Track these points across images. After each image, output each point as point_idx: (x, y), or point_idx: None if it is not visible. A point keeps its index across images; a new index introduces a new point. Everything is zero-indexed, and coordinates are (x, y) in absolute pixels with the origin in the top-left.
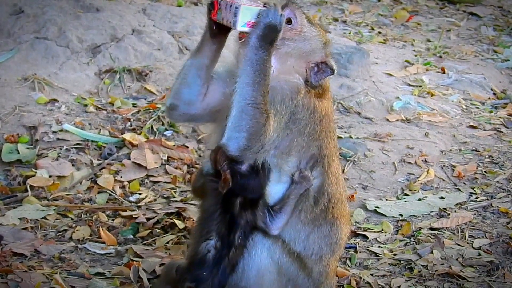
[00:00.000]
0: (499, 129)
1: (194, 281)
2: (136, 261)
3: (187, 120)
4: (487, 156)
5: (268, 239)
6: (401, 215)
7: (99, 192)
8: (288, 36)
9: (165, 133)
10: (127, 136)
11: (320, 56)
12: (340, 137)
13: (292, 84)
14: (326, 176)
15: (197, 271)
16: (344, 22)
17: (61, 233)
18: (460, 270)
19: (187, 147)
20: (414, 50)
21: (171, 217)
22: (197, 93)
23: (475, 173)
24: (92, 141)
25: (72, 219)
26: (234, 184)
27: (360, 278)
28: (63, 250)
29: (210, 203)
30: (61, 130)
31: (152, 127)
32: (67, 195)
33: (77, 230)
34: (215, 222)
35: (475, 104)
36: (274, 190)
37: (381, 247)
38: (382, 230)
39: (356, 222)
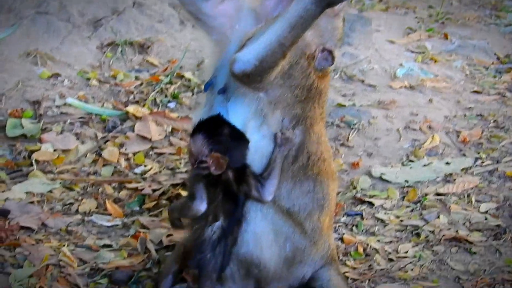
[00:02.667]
0: (503, 94)
1: (197, 267)
2: (143, 232)
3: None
4: (492, 121)
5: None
6: (406, 181)
7: (104, 165)
8: (328, 11)
9: (168, 104)
10: (131, 108)
11: (332, 44)
12: (344, 105)
13: (302, 47)
14: (307, 135)
15: (200, 255)
16: None
17: (67, 206)
18: (467, 235)
19: (191, 118)
20: (416, 17)
21: (176, 188)
22: None
23: (480, 138)
24: (96, 114)
25: (78, 192)
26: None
27: (367, 244)
28: (70, 223)
29: (210, 190)
30: (65, 104)
31: (155, 99)
32: (72, 168)
33: (83, 203)
34: (220, 204)
35: (478, 70)
36: (257, 150)
37: (387, 214)
38: (388, 196)
39: (361, 189)
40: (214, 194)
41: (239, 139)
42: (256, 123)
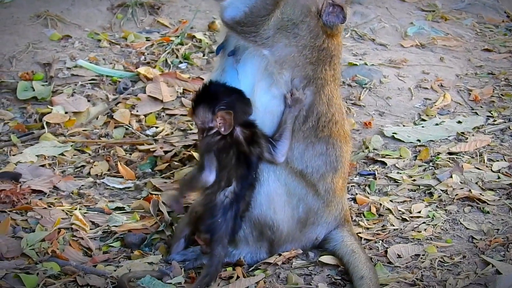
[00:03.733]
0: None
1: (208, 231)
2: (155, 194)
3: None
4: (503, 79)
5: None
6: (419, 140)
7: (115, 127)
8: None
9: (179, 65)
10: (142, 70)
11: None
12: (355, 64)
13: (307, 2)
14: (318, 96)
15: (211, 219)
16: None
17: (79, 169)
18: (480, 194)
19: (202, 79)
20: None
21: (188, 150)
22: None
23: (491, 96)
24: (107, 76)
25: (89, 154)
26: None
27: (380, 204)
28: (82, 186)
29: (222, 156)
30: (76, 66)
31: (166, 60)
32: (83, 130)
33: (95, 165)
34: (233, 169)
35: (489, 28)
36: (268, 110)
37: (400, 173)
38: (400, 156)
39: (374, 149)
40: (226, 159)
41: (234, 92)
42: (265, 84)
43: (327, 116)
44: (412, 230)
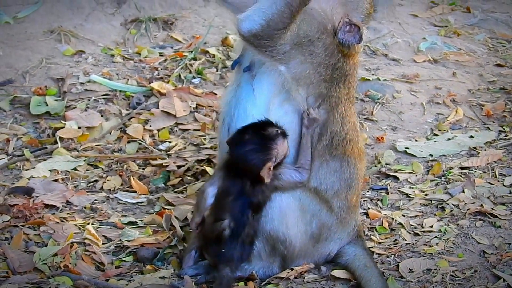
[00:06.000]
0: None
1: (215, 256)
2: (168, 209)
3: None
4: None
5: None
6: (431, 155)
7: (128, 142)
8: None
9: (192, 80)
10: (155, 85)
11: (358, 18)
12: (368, 79)
13: (323, 20)
14: (331, 115)
15: (217, 246)
16: None
17: (92, 183)
18: (492, 208)
19: (215, 94)
20: None
21: (201, 164)
22: None
23: (503, 111)
24: (120, 91)
25: (102, 169)
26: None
27: (392, 219)
28: (95, 200)
29: (226, 185)
30: (89, 81)
31: (179, 75)
32: (97, 145)
33: (108, 180)
34: (228, 205)
35: (501, 43)
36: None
37: (412, 188)
38: (412, 170)
39: (386, 164)
40: (229, 188)
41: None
42: (280, 100)
43: (341, 134)
44: (424, 244)
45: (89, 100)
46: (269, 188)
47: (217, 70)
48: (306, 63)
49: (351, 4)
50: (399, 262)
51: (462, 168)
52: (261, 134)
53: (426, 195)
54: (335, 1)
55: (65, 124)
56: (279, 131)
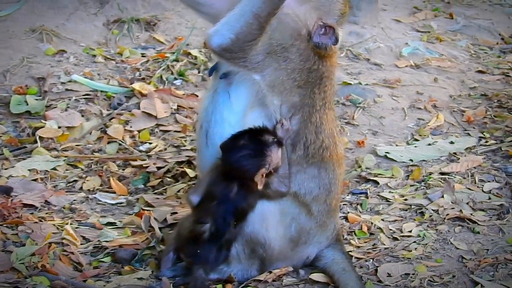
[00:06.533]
0: (507, 74)
1: (190, 256)
2: (147, 210)
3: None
4: (496, 101)
5: None
6: (411, 160)
7: (109, 142)
8: None
9: (174, 82)
10: (136, 85)
11: (333, 20)
12: (350, 84)
13: (296, 26)
14: (304, 126)
15: (193, 247)
16: None
17: (71, 183)
18: (471, 214)
19: (197, 95)
20: None
21: (181, 166)
22: None
23: (484, 117)
24: (101, 91)
25: (82, 169)
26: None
27: (372, 223)
28: (74, 200)
29: (213, 189)
30: (70, 81)
31: (161, 76)
32: (76, 145)
33: (87, 180)
34: (212, 209)
35: (483, 49)
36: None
37: (392, 193)
38: (392, 175)
39: (366, 168)
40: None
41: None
42: (257, 107)
43: (316, 143)
44: (403, 249)
45: (69, 100)
46: (255, 196)
47: (199, 72)
48: (280, 69)
49: (324, 7)
50: (377, 267)
51: (442, 173)
52: (257, 139)
53: (406, 200)
54: (308, 6)
55: (45, 123)
56: (275, 139)
